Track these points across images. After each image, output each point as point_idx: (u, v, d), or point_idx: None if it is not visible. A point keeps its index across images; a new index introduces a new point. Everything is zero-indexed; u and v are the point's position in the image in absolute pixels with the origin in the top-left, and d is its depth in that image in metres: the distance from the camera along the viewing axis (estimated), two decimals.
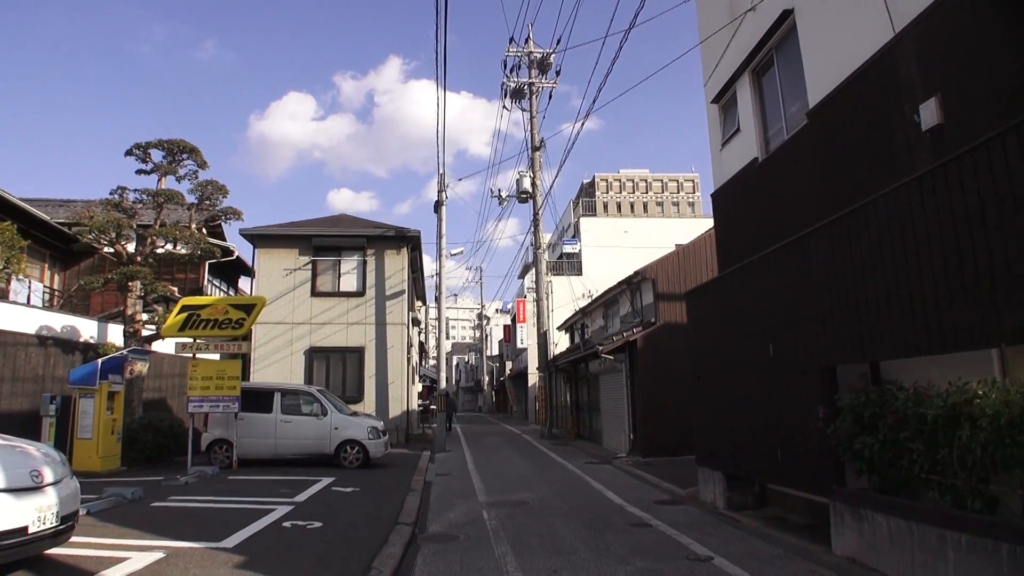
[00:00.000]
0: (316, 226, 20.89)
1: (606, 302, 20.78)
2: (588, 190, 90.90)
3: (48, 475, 5.16)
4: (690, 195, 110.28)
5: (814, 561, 6.24)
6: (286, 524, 7.48)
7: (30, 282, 18.26)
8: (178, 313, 12.66)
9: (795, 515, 8.27)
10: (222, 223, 22.74)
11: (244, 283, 26.52)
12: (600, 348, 15.86)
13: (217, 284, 24.17)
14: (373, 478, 11.63)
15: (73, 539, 6.30)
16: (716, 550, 6.65)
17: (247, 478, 11.34)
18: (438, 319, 20.98)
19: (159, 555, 5.95)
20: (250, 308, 12.80)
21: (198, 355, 12.87)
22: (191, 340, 12.71)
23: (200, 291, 20.26)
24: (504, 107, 25.89)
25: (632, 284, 17.02)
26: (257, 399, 13.32)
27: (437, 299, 20.84)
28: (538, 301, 24.18)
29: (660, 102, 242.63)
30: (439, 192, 20.24)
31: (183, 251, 15.50)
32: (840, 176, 7.42)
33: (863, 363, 6.40)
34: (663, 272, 15.97)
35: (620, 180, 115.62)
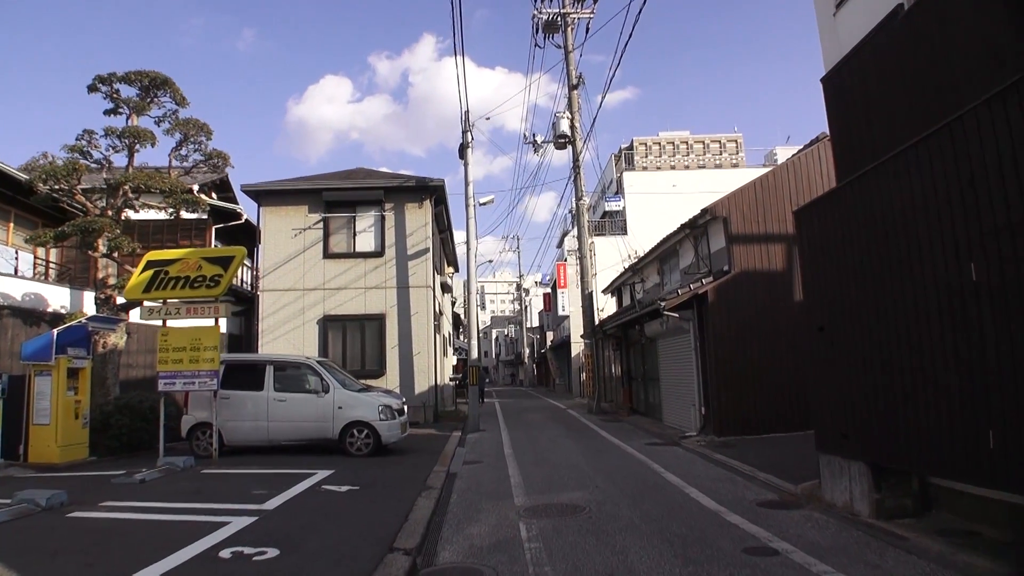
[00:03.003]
0: (327, 179, 18.41)
1: (662, 255, 17.85)
2: (627, 155, 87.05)
3: None
4: (733, 155, 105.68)
5: None
6: (224, 553, 5.00)
7: (17, 252, 16.31)
8: (143, 270, 10.32)
9: (986, 526, 5.46)
10: (228, 181, 20.56)
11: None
12: (662, 304, 13.04)
13: None
14: (382, 470, 9.14)
15: None
16: None
17: (222, 471, 8.98)
18: (467, 279, 18.38)
19: None
20: (227, 261, 10.34)
21: (170, 321, 10.48)
22: (160, 303, 10.37)
23: None
24: (536, 44, 23.11)
25: (697, 227, 14.05)
26: (245, 374, 10.96)
27: (468, 260, 18.21)
28: (581, 259, 21.35)
29: (702, 69, 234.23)
30: (463, 133, 17.46)
31: (163, 207, 13.14)
32: None
33: None
34: (738, 209, 12.91)
35: (660, 143, 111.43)
